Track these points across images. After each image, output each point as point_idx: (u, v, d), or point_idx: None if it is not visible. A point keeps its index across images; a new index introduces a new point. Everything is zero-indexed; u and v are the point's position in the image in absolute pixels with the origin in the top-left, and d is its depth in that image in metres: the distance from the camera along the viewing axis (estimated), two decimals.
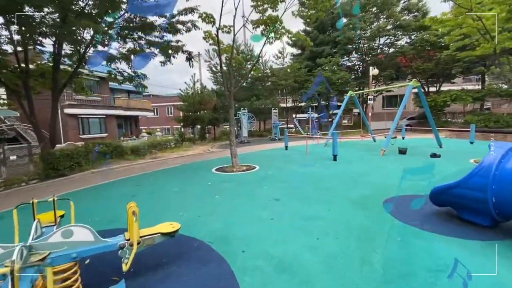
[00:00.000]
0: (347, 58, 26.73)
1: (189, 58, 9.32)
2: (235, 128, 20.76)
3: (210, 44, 8.79)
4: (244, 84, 23.20)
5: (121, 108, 23.15)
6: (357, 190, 5.43)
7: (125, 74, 10.36)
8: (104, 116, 21.49)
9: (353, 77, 24.15)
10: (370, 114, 19.85)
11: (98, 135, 20.49)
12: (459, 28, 7.61)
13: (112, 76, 10.36)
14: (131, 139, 25.65)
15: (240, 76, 15.40)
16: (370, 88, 18.89)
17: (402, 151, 10.26)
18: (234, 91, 8.63)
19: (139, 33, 8.76)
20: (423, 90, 26.25)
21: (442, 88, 23.71)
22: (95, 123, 21.04)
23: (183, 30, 8.70)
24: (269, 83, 24.55)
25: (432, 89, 24.88)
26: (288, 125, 27.47)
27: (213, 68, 20.14)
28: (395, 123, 10.54)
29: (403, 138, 15.65)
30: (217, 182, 6.66)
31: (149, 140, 19.11)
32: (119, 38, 8.43)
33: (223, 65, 9.12)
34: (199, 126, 18.20)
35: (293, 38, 8.72)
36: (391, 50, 23.62)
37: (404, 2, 22.73)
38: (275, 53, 26.98)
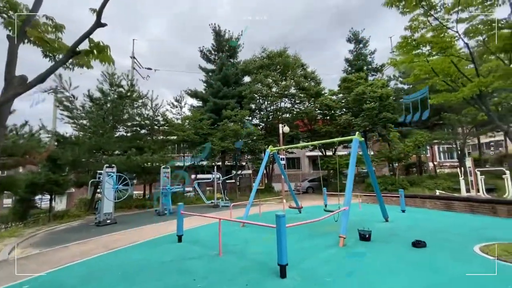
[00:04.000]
0: (251, 117, 25.17)
1: None
2: (95, 197, 12.89)
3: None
4: (123, 132, 16.59)
5: None
6: None
7: None
8: None
9: (261, 133, 22.04)
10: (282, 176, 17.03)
11: None
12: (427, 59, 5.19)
13: None
14: None
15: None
16: (282, 145, 16.55)
17: (365, 237, 6.65)
18: None
19: None
20: (321, 153, 27.36)
21: (337, 152, 24.92)
22: None
23: None
24: (161, 136, 18.89)
25: (329, 153, 25.84)
26: (186, 189, 21.36)
27: (66, 102, 12.71)
28: (350, 190, 7.11)
29: (325, 206, 12.93)
30: None
31: None
32: None
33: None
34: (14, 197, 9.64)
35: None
36: (289, 114, 23.74)
37: (301, 71, 24.05)
38: (170, 100, 22.22)
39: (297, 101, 23.34)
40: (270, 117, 23.84)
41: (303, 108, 23.41)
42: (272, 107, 23.76)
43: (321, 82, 24.41)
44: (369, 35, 35.84)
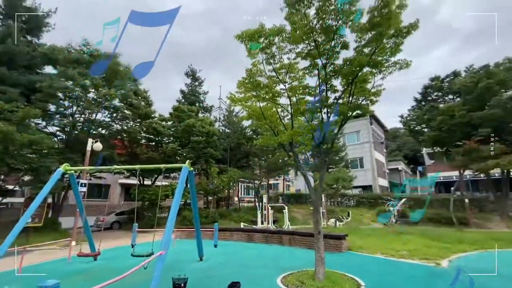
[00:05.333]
0: (45, 121, 18.06)
1: None
2: None
3: None
4: None
5: None
6: None
7: None
8: None
9: (57, 146, 16.04)
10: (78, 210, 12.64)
11: None
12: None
13: None
14: None
15: None
16: (87, 165, 12.59)
17: (180, 287, 5.54)
18: None
19: None
20: (138, 182, 24.07)
21: (157, 182, 23.05)
22: None
23: None
24: None
25: (148, 182, 23.39)
26: None
27: None
28: (171, 228, 5.83)
29: (132, 246, 10.62)
30: None
31: None
32: None
33: None
34: None
35: None
36: (106, 130, 19.69)
37: (132, 85, 21.21)
38: None
39: (118, 117, 19.76)
40: (78, 128, 18.23)
41: (126, 127, 20.09)
42: (83, 116, 18.39)
43: (152, 104, 22.67)
44: (204, 77, 39.73)
